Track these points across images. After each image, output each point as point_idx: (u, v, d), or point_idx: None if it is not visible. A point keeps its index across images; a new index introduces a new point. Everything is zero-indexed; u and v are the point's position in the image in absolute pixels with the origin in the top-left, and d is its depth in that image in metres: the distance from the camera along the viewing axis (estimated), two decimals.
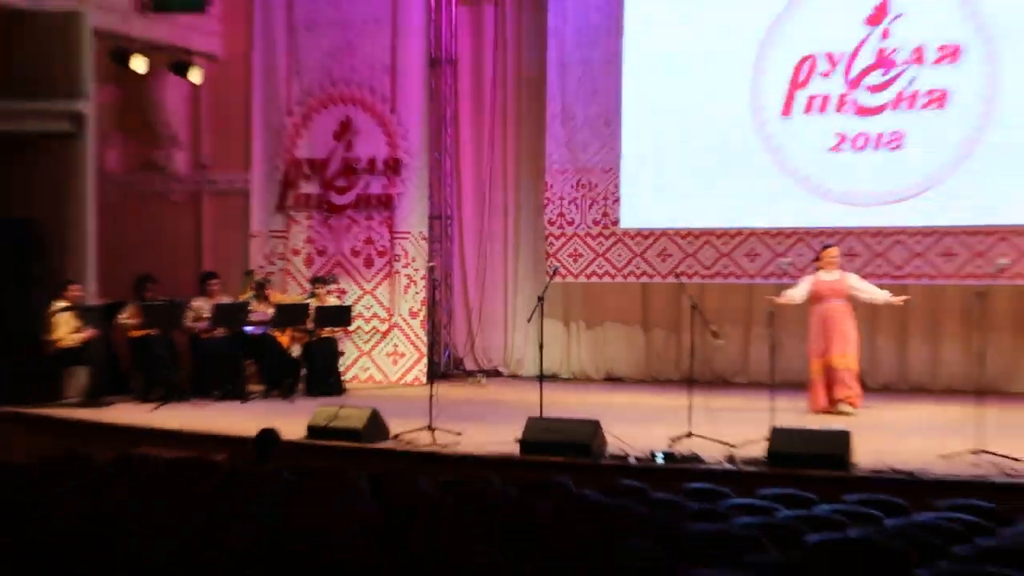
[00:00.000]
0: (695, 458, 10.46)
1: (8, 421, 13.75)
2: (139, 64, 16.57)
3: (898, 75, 15.80)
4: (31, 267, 14.81)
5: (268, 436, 8.97)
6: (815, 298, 13.51)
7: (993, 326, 15.07)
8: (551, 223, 17.39)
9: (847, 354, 13.44)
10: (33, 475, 8.48)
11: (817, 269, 13.76)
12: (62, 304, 14.25)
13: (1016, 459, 10.14)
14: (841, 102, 16.04)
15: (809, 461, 9.93)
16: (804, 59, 16.20)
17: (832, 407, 13.37)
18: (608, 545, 5.46)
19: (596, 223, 17.19)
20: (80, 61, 15.01)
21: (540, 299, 12.81)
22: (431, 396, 12.15)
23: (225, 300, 15.43)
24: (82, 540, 5.22)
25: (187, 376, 15.13)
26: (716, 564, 5.00)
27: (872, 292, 13.71)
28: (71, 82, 15.11)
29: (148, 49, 16.80)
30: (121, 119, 18.61)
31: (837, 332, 13.43)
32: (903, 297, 13.60)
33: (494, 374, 17.90)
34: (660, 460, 10.44)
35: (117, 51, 16.39)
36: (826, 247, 13.93)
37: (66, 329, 14.20)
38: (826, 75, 16.10)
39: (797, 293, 13.54)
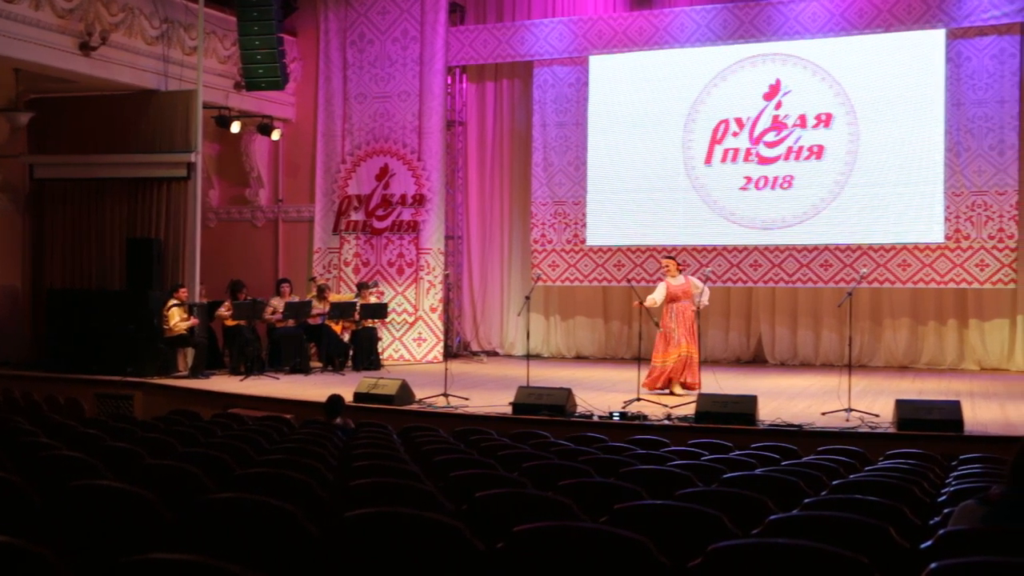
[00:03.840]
0: (642, 416, 10.40)
1: (134, 388, 13.68)
2: (235, 127, 16.62)
3: (788, 135, 15.83)
4: (153, 273, 14.74)
5: (336, 400, 8.95)
6: (670, 299, 12.22)
7: (857, 317, 15.05)
8: (535, 241, 17.31)
9: (692, 345, 12.13)
10: (161, 424, 8.42)
11: (665, 276, 12.44)
12: (173, 302, 14.16)
13: (876, 415, 10.12)
14: (747, 154, 16.01)
15: (726, 419, 9.89)
16: (720, 122, 16.18)
17: (670, 387, 12.09)
18: (575, 476, 5.41)
19: (569, 242, 17.12)
20: (193, 125, 14.99)
21: (527, 298, 12.76)
22: (446, 370, 12.12)
23: (294, 299, 15.33)
24: (200, 468, 5.21)
25: (266, 355, 15.04)
26: (657, 495, 4.92)
27: (701, 297, 12.20)
28: (186, 140, 15.08)
29: (241, 116, 16.84)
30: (221, 166, 18.60)
31: (687, 326, 12.14)
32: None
33: (492, 354, 17.78)
34: (616, 418, 10.38)
35: (220, 118, 16.41)
36: (668, 258, 12.82)
37: (176, 320, 14.10)
38: (736, 135, 16.09)
39: (659, 296, 12.24)
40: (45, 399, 10.90)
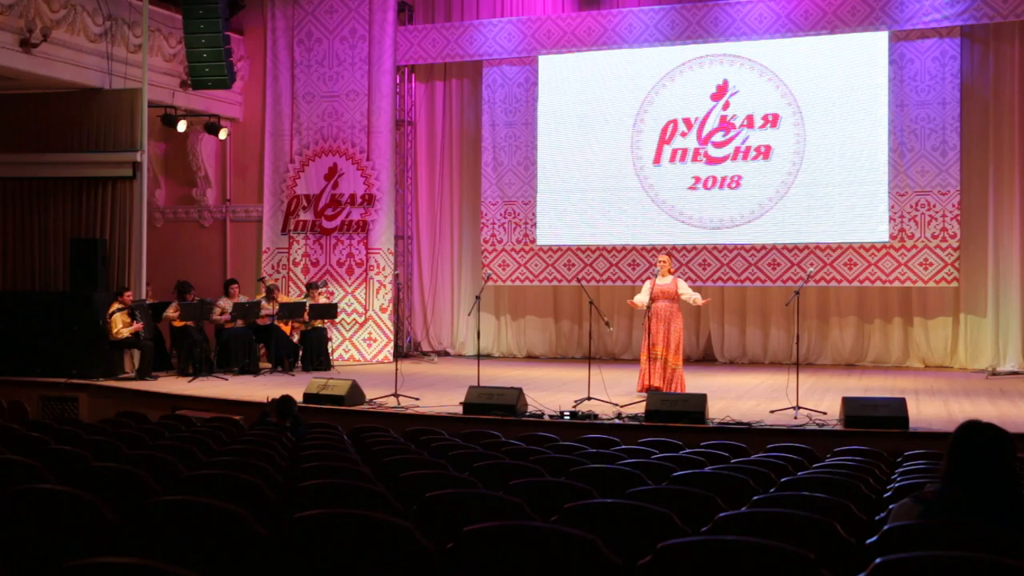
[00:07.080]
0: (592, 415, 10.44)
1: (79, 390, 13.49)
2: (181, 126, 16.53)
3: (736, 135, 15.96)
4: (98, 274, 14.54)
5: (288, 401, 8.90)
6: (653, 298, 12.00)
7: (805, 316, 15.22)
8: (485, 241, 17.32)
9: (671, 351, 11.87)
10: (107, 427, 8.32)
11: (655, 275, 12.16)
12: (117, 306, 13.98)
13: (823, 413, 10.24)
14: (696, 154, 16.13)
15: (676, 417, 9.95)
16: (669, 122, 16.28)
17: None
18: (526, 476, 5.41)
19: (519, 241, 17.14)
20: (138, 124, 14.85)
21: (477, 298, 12.76)
22: (396, 370, 12.08)
23: (243, 300, 15.22)
24: (147, 470, 5.15)
25: (214, 356, 14.90)
26: (607, 493, 4.94)
27: (688, 294, 12.09)
28: (131, 139, 14.94)
29: (188, 115, 16.73)
30: (167, 166, 18.44)
31: (665, 329, 11.88)
32: (706, 300, 12.37)
33: (443, 354, 17.74)
34: (566, 417, 10.40)
35: (166, 117, 16.29)
36: (666, 254, 12.78)
37: (120, 325, 13.93)
38: (684, 135, 16.20)
39: (643, 297, 12.08)
40: None
